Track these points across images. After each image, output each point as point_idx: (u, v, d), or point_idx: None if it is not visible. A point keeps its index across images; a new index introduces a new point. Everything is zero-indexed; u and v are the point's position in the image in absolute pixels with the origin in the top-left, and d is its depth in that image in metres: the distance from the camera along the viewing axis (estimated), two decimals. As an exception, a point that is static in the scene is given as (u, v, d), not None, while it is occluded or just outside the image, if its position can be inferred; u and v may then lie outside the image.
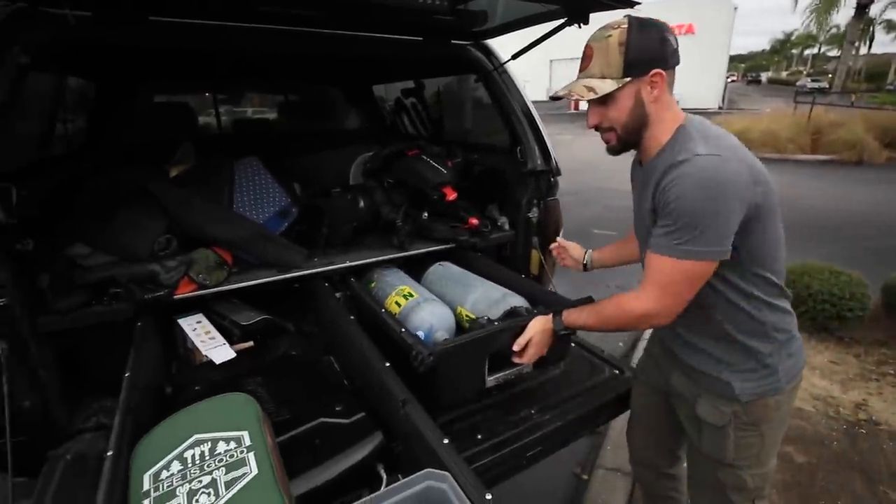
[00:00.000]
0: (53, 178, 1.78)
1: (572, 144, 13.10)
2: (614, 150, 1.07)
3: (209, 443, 0.86)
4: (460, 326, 1.54)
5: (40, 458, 1.19)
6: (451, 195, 1.92)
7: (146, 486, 0.80)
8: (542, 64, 29.47)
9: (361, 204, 1.99)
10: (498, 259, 2.14)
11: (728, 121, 11.80)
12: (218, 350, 1.44)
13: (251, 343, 1.56)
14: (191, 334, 1.49)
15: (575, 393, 1.44)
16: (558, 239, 1.59)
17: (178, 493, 0.78)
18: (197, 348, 1.44)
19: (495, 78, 1.91)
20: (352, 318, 1.43)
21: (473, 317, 1.48)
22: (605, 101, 0.99)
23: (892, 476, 1.96)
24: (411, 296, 1.55)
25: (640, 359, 1.41)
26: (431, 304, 1.51)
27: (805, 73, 55.37)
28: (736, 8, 23.74)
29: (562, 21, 1.54)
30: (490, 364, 1.30)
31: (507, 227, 2.04)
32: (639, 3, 1.32)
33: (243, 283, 1.56)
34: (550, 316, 1.21)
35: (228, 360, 1.42)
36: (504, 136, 2.03)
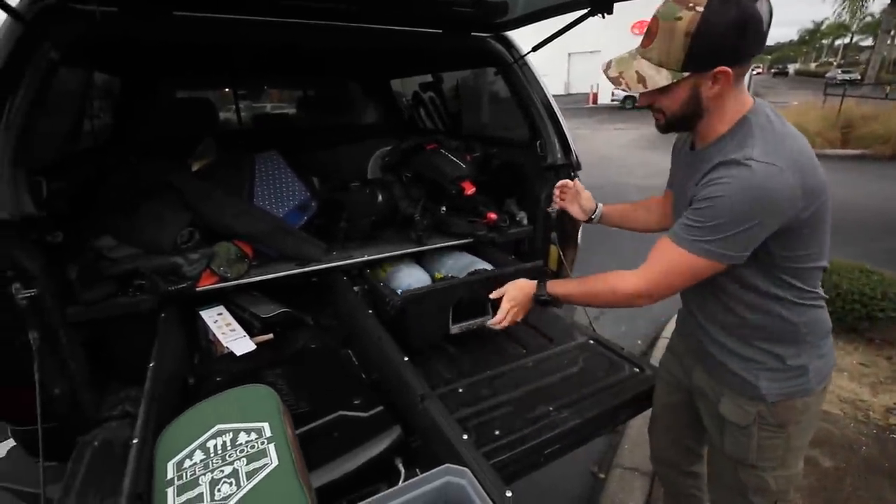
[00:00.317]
0: (81, 172, 1.82)
1: (591, 139, 12.91)
2: (661, 130, 1.02)
3: (231, 433, 0.87)
4: None
5: (69, 444, 1.23)
6: (470, 189, 1.90)
7: (170, 475, 0.82)
8: (560, 57, 29.05)
9: (380, 198, 1.99)
10: (516, 254, 2.13)
11: (753, 114, 11.41)
12: (238, 342, 1.46)
13: (271, 335, 1.58)
14: (212, 326, 1.51)
15: (594, 391, 1.42)
16: (575, 181, 1.46)
17: (200, 482, 0.79)
18: (218, 340, 1.47)
19: (515, 70, 1.88)
20: (370, 311, 1.43)
21: (441, 276, 1.78)
22: (658, 88, 0.91)
23: (925, 483, 1.89)
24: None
25: (662, 356, 1.38)
26: (410, 268, 1.79)
27: (835, 64, 53.32)
28: (763, -3, 22.87)
29: (584, 11, 1.50)
30: (456, 317, 1.60)
31: (525, 221, 2.01)
32: None
33: (263, 276, 1.58)
34: (535, 281, 1.21)
35: (249, 352, 1.44)
36: (523, 129, 2.00)
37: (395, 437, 1.07)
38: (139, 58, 2.18)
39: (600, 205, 1.44)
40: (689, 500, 1.43)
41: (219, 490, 0.77)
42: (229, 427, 0.88)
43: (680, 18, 0.83)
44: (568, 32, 1.63)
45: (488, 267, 1.79)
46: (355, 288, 1.67)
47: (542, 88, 1.90)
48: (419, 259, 1.90)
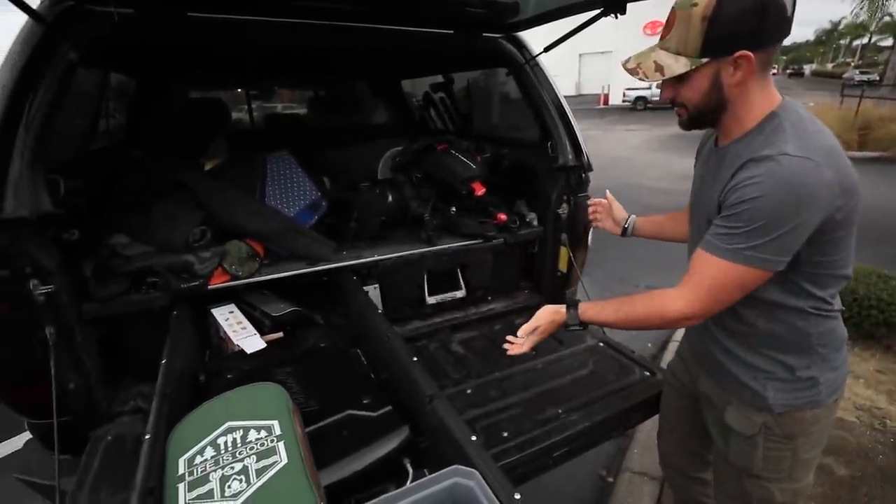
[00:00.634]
0: (96, 171, 1.85)
1: (602, 140, 12.82)
2: (684, 126, 0.98)
3: (241, 430, 0.88)
4: None
5: (83, 438, 1.25)
6: (480, 190, 1.90)
7: (181, 470, 0.83)
8: (571, 58, 28.92)
9: (390, 198, 2.00)
10: (525, 255, 2.12)
11: (768, 115, 11.25)
12: (249, 340, 1.48)
13: (281, 334, 1.59)
14: (223, 324, 1.53)
15: (604, 394, 1.41)
16: (607, 193, 1.44)
17: (211, 478, 0.80)
18: (229, 337, 1.48)
19: (527, 71, 1.87)
20: (379, 311, 1.44)
21: None
22: (678, 78, 0.88)
23: (944, 494, 1.84)
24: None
25: (670, 360, 1.36)
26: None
27: (853, 64, 52.31)
28: (779, -4, 22.54)
29: (597, 12, 1.49)
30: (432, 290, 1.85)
31: (535, 223, 2.01)
32: None
33: (274, 275, 1.59)
34: (562, 306, 1.10)
35: (259, 350, 1.45)
36: (534, 130, 1.99)
37: (404, 437, 1.07)
38: (154, 58, 2.21)
39: (632, 216, 1.39)
40: None
41: (229, 486, 0.78)
42: (240, 424, 0.89)
43: (696, 4, 0.81)
44: (579, 33, 1.62)
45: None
46: (365, 288, 1.67)
47: (553, 89, 1.89)
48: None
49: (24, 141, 1.12)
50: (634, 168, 8.47)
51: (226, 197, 1.67)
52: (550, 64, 1.94)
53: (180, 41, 1.58)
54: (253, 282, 1.57)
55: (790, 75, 54.18)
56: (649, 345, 3.06)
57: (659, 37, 0.91)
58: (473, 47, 1.90)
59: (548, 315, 1.11)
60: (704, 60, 0.84)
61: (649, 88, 20.93)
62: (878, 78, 25.18)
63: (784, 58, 78.89)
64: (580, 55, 28.68)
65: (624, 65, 0.94)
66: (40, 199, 1.13)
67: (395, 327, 1.60)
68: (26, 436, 1.43)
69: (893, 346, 2.87)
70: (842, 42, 60.45)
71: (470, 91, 2.91)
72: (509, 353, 1.13)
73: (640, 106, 21.26)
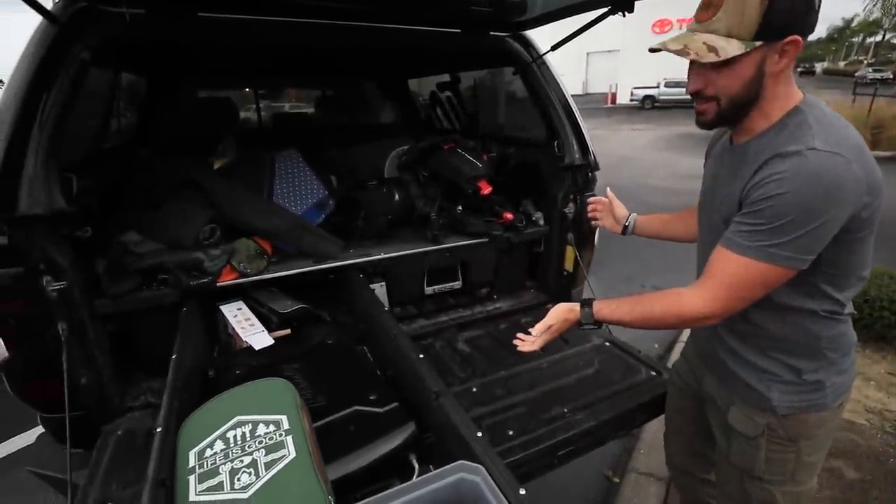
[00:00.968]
0: (108, 169, 1.88)
1: (609, 139, 12.75)
2: (708, 125, 0.91)
3: (250, 425, 0.89)
4: None
5: (94, 433, 1.28)
6: (486, 189, 1.90)
7: (192, 463, 0.84)
8: (578, 57, 28.79)
9: (396, 197, 2.00)
10: (531, 254, 2.12)
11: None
12: (257, 336, 1.49)
13: (288, 330, 1.61)
14: (232, 321, 1.54)
15: (609, 393, 1.41)
16: (608, 191, 1.41)
17: (220, 470, 0.81)
18: (237, 334, 1.50)
19: (534, 70, 1.87)
20: (385, 308, 1.45)
21: None
22: (720, 64, 0.81)
23: (956, 498, 1.82)
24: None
25: (675, 361, 1.35)
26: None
27: (866, 62, 51.53)
28: (790, -6, 22.31)
29: (605, 10, 1.49)
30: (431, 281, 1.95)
31: (541, 222, 2.01)
32: None
33: (282, 273, 1.61)
34: (576, 304, 1.06)
35: (267, 347, 1.47)
36: (540, 129, 1.99)
37: (410, 433, 1.07)
38: (164, 58, 2.23)
39: (633, 214, 1.37)
40: None
41: (238, 479, 0.79)
42: (249, 419, 0.90)
43: None
44: (586, 32, 1.61)
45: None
46: (371, 285, 1.68)
47: (560, 88, 1.89)
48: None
49: (38, 140, 1.14)
50: (642, 168, 8.41)
51: (235, 195, 1.69)
52: (557, 62, 1.93)
53: (190, 41, 1.60)
54: (261, 279, 1.58)
55: (801, 73, 53.42)
56: (656, 345, 3.04)
57: (696, 21, 0.83)
58: (480, 46, 1.90)
59: (561, 313, 1.08)
60: (758, 44, 0.78)
61: (657, 87, 20.79)
62: (891, 76, 24.83)
63: (795, 56, 77.59)
64: (587, 54, 28.55)
65: (664, 47, 0.85)
66: (54, 197, 1.15)
67: (402, 325, 1.63)
68: (39, 430, 1.45)
69: (905, 347, 2.83)
70: (854, 40, 59.56)
71: (476, 90, 2.91)
72: (519, 349, 1.10)
73: (647, 105, 21.11)
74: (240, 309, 1.60)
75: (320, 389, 1.23)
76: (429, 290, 1.97)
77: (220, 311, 1.60)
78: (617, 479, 2.03)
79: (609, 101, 25.10)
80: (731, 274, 0.85)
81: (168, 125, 2.76)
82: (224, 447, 0.86)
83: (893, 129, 9.52)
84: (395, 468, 1.04)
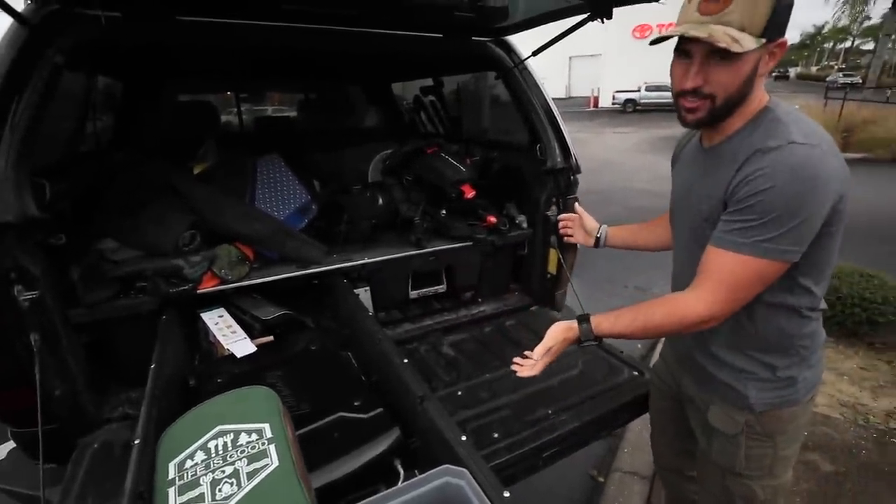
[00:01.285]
0: (84, 174, 1.84)
1: (592, 143, 12.93)
2: (697, 123, 0.89)
3: (232, 434, 0.88)
4: None
5: (69, 446, 1.24)
6: (470, 193, 1.91)
7: (171, 475, 0.82)
8: (561, 61, 29.15)
9: (380, 201, 2.00)
10: (515, 257, 2.14)
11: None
12: (239, 344, 1.47)
13: (271, 337, 1.59)
14: (213, 328, 1.52)
15: (593, 394, 1.42)
16: (576, 206, 1.43)
17: (201, 482, 0.80)
18: (219, 342, 1.48)
19: (515, 75, 1.90)
20: (370, 313, 1.44)
21: None
22: (729, 59, 0.79)
23: (925, 488, 1.89)
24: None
25: (655, 363, 1.38)
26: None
27: (837, 67, 53.36)
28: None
29: (584, 16, 1.52)
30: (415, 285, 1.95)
31: (525, 225, 2.02)
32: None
33: (264, 279, 1.59)
34: (573, 322, 1.02)
35: (249, 354, 1.45)
36: (523, 133, 2.01)
37: (395, 438, 1.07)
38: (142, 61, 2.19)
39: (604, 226, 1.39)
40: None
41: (220, 490, 0.78)
42: (230, 428, 0.89)
43: None
44: (569, 36, 1.64)
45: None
46: (355, 290, 1.68)
47: (541, 93, 1.91)
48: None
49: (8, 143, 1.10)
50: (625, 171, 8.54)
51: (215, 200, 1.66)
52: (541, 66, 1.96)
53: (169, 44, 1.58)
54: (243, 285, 1.56)
55: (776, 78, 55.13)
56: (639, 345, 3.09)
57: (700, 12, 0.79)
58: (463, 51, 1.91)
59: (560, 333, 1.03)
60: (764, 41, 0.78)
61: (639, 91, 21.17)
62: (860, 81, 25.75)
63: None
64: (570, 58, 28.90)
65: (683, 32, 0.80)
66: (25, 204, 1.12)
67: (386, 330, 1.62)
68: (10, 445, 1.40)
69: (876, 343, 2.93)
70: (826, 46, 61.65)
71: (460, 94, 2.92)
72: (518, 374, 1.03)
73: (629, 108, 21.48)
74: (221, 316, 1.58)
75: (304, 396, 1.22)
76: (413, 294, 1.97)
77: (200, 318, 1.57)
78: (602, 479, 2.05)
79: (592, 104, 25.46)
80: (729, 273, 0.85)
81: (147, 129, 2.71)
82: (205, 458, 0.84)
83: (863, 133, 9.89)
84: (381, 474, 1.04)
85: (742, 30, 0.77)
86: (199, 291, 1.48)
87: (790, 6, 0.79)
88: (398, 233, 1.97)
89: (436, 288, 2.02)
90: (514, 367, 1.04)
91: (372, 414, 1.14)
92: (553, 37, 1.68)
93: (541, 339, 1.06)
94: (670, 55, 0.88)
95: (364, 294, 1.80)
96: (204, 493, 0.77)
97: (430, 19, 1.71)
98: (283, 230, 1.70)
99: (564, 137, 1.88)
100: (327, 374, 1.38)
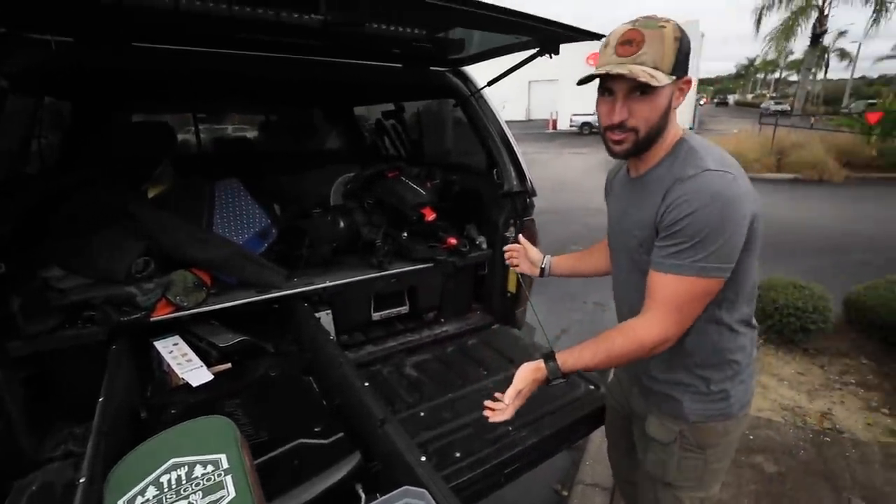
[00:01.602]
0: (27, 198, 1.75)
1: (551, 164, 13.40)
2: (626, 153, 0.97)
3: (186, 467, 0.86)
4: None
5: (3, 490, 1.16)
6: (430, 216, 1.96)
7: (120, 513, 0.79)
8: (521, 85, 30.27)
9: (341, 224, 2.01)
10: (475, 277, 2.19)
11: (698, 141, 12.29)
12: (195, 372, 1.43)
13: (229, 364, 1.55)
14: (167, 357, 1.47)
15: (551, 409, 1.47)
16: (520, 237, 1.46)
17: (153, 518, 0.77)
18: (173, 371, 1.43)
19: (472, 103, 1.98)
20: (332, 336, 1.44)
21: None
22: (647, 94, 0.89)
23: (855, 483, 2.04)
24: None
25: (610, 381, 1.43)
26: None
27: (769, 96, 58.27)
28: (703, 34, 24.98)
29: (534, 51, 1.62)
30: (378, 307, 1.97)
31: (484, 246, 2.09)
32: (604, 36, 1.40)
33: (222, 304, 1.56)
34: (539, 362, 1.02)
35: (206, 383, 1.41)
36: (481, 157, 2.10)
37: (355, 462, 1.07)
38: (94, 84, 2.13)
39: (548, 256, 1.44)
40: None
41: (172, 525, 0.76)
42: (184, 460, 0.87)
43: (664, 27, 0.88)
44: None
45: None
46: (316, 314, 1.67)
47: (497, 119, 2.00)
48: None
49: None
50: (583, 191, 8.89)
51: (171, 225, 1.62)
52: (502, 91, 2.05)
53: (123, 69, 1.55)
54: (200, 312, 1.52)
55: (717, 105, 59.55)
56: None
57: (618, 55, 0.88)
58: (421, 80, 1.99)
59: (528, 374, 1.03)
60: (674, 78, 0.89)
61: (594, 115, 22.20)
62: (789, 108, 28.18)
63: (711, 88, 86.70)
64: (530, 82, 30.05)
65: (607, 71, 0.88)
66: None
67: (349, 353, 1.62)
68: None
69: (810, 349, 3.17)
70: (758, 76, 67.22)
71: (420, 118, 3.00)
72: (491, 420, 1.02)
73: (585, 131, 22.47)
74: (176, 344, 1.53)
75: (263, 424, 1.20)
76: (376, 315, 1.98)
77: (154, 347, 1.51)
78: (565, 493, 2.09)
79: (551, 126, 26.44)
80: (673, 294, 0.91)
81: (99, 150, 2.61)
82: (157, 493, 0.82)
83: (792, 155, 10.81)
84: (342, 499, 1.03)
85: (655, 68, 0.87)
86: (152, 319, 1.43)
87: (689, 52, 0.91)
88: (360, 256, 1.98)
89: (399, 309, 2.04)
90: (486, 413, 1.03)
91: (333, 439, 1.14)
92: (508, 67, 1.78)
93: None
94: None
95: (326, 317, 1.79)
96: (156, 530, 0.75)
97: (389, 50, 1.78)
98: (242, 254, 1.68)
99: (520, 162, 1.97)
100: (287, 400, 1.36)
